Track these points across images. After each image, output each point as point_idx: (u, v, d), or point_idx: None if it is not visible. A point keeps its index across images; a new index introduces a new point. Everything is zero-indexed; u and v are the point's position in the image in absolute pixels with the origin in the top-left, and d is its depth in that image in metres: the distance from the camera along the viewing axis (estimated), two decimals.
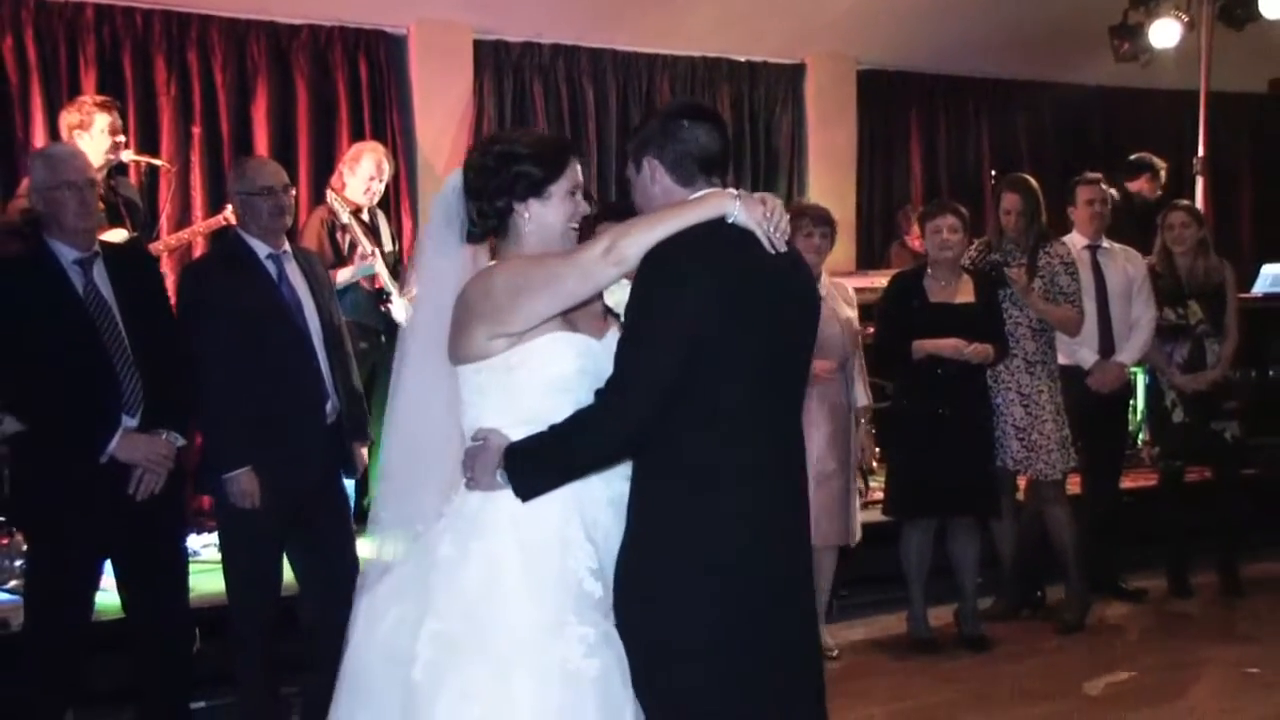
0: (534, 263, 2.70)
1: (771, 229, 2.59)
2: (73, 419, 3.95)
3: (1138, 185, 7.69)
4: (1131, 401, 7.26)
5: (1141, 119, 9.78)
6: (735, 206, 2.58)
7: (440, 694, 2.56)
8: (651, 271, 2.55)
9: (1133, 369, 6.75)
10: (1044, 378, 5.68)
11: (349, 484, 4.79)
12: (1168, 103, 9.47)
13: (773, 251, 2.59)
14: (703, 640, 2.55)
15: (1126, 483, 6.75)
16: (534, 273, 2.66)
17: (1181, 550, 6.51)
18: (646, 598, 2.60)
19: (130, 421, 4.01)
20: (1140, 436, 7.85)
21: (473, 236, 2.84)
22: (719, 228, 2.57)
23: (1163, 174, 7.70)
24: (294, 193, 4.53)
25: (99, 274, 4.05)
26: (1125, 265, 6.20)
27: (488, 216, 2.80)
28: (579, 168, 2.87)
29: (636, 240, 2.58)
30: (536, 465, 2.61)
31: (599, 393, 2.57)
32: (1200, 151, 8.04)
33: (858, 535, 5.45)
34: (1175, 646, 5.77)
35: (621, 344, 2.59)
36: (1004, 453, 5.65)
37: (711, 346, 2.52)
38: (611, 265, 2.59)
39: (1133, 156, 7.80)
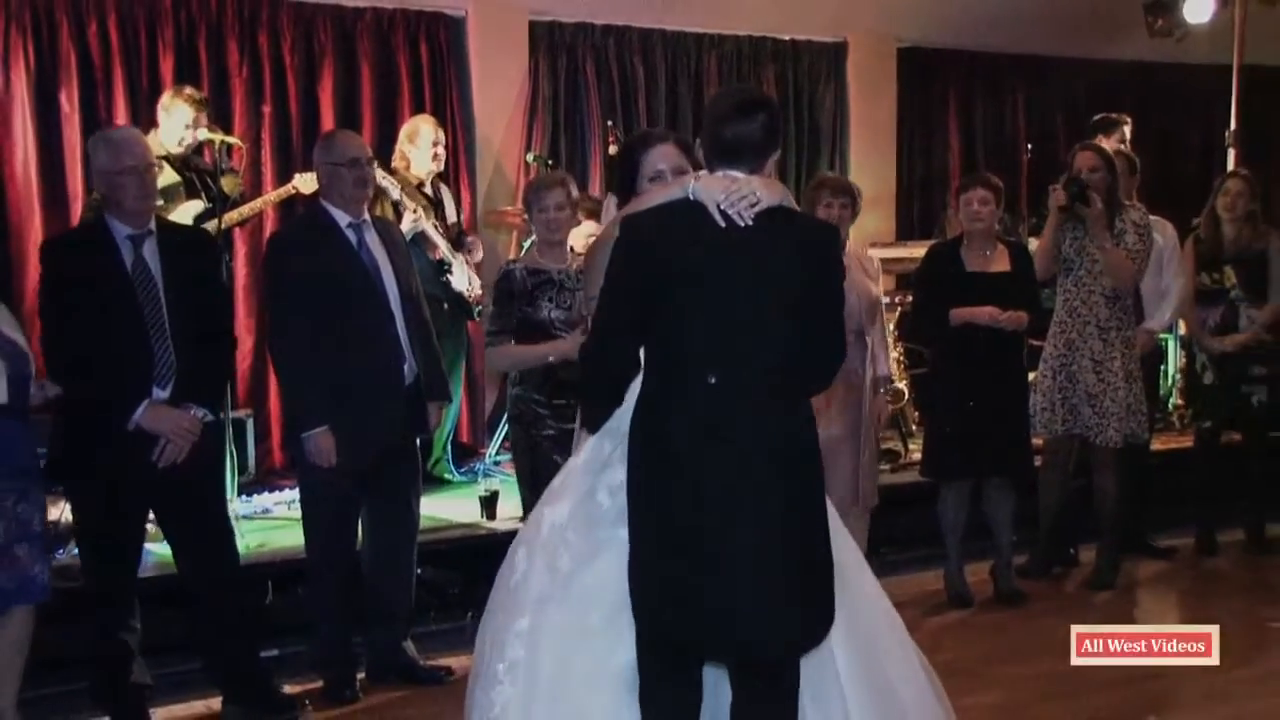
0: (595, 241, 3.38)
1: (726, 206, 2.96)
2: (104, 387, 4.09)
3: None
4: (1161, 367, 7.38)
5: (1175, 93, 9.80)
6: (693, 186, 3.02)
7: (507, 562, 3.29)
8: (618, 232, 3.06)
9: (1162, 335, 6.89)
10: (1117, 344, 5.73)
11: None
12: (1201, 77, 9.42)
13: (722, 223, 2.96)
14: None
15: (1157, 445, 6.82)
16: (592, 249, 3.40)
17: (1210, 510, 6.62)
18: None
19: (161, 393, 4.14)
20: (1171, 401, 7.96)
21: None
22: (681, 202, 3.02)
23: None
24: (376, 165, 4.77)
25: (149, 250, 4.20)
26: (1154, 236, 6.25)
27: None
28: (656, 153, 3.34)
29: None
30: (584, 404, 3.34)
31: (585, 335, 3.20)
32: (1233, 125, 8.10)
33: (873, 500, 5.39)
34: (1203, 602, 5.94)
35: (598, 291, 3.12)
36: (1076, 418, 5.75)
37: (666, 287, 2.95)
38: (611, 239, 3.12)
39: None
